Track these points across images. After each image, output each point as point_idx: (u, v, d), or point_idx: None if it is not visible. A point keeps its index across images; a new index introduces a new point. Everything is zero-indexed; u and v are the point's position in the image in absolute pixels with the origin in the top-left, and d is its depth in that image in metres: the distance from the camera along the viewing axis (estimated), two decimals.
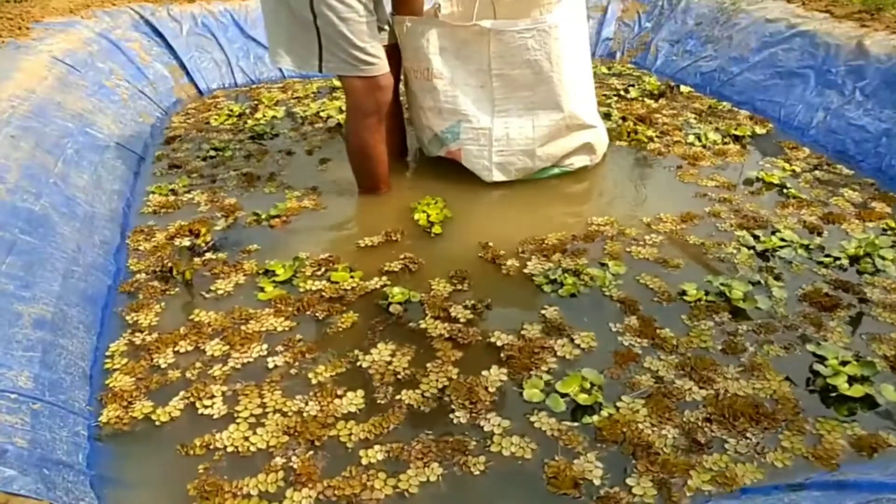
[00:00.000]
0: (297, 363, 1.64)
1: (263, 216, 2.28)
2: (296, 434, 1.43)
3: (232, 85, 3.80)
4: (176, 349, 1.69)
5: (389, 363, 1.63)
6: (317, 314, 1.81)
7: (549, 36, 2.25)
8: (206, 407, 1.51)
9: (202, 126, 3.21)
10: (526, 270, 1.98)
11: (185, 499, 1.30)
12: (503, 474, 1.35)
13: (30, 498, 1.09)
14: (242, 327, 1.76)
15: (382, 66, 2.19)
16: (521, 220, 2.28)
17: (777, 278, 1.93)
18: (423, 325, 1.76)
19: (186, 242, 2.15)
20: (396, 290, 1.87)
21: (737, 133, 2.93)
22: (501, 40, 2.27)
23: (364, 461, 1.36)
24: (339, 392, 1.54)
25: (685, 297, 1.85)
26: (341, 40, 2.08)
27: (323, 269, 2.00)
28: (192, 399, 1.53)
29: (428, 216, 2.26)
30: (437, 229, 2.20)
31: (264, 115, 3.30)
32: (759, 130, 2.98)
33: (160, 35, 3.66)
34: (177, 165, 2.74)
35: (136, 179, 2.63)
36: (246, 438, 1.43)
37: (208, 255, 2.09)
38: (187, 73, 3.68)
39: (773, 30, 3.35)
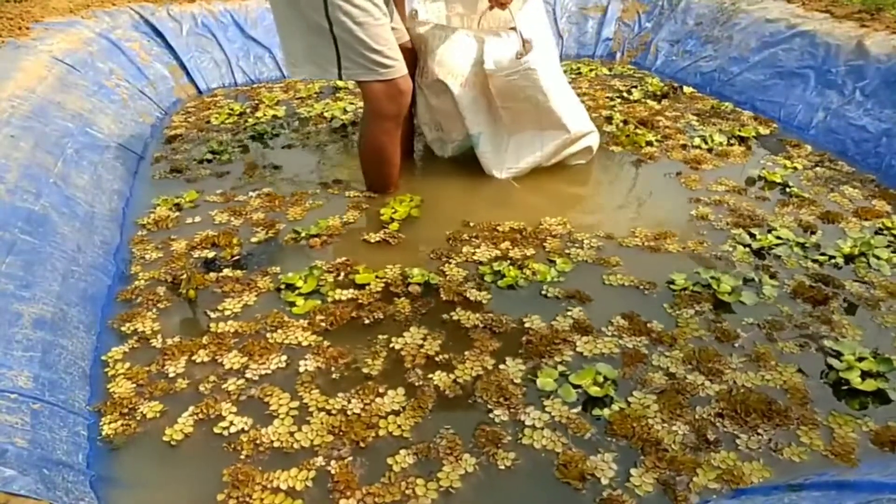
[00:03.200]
0: (336, 366, 1.63)
1: (303, 234, 2.17)
2: (341, 434, 1.43)
3: (232, 84, 3.80)
4: (192, 359, 1.67)
5: (421, 346, 1.68)
6: (363, 319, 1.79)
7: (534, 72, 2.30)
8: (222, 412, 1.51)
9: (203, 125, 3.20)
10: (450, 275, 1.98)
11: (218, 485, 1.32)
12: (526, 460, 1.38)
13: (30, 498, 1.09)
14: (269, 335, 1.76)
15: (401, 69, 2.17)
16: (492, 222, 2.25)
17: (773, 276, 1.93)
18: (456, 317, 1.79)
19: (210, 254, 2.07)
20: (416, 271, 1.94)
21: (741, 134, 2.92)
22: (495, 83, 2.36)
23: (396, 468, 1.35)
24: (381, 390, 1.55)
25: (672, 287, 1.89)
26: (359, 45, 2.05)
27: (343, 275, 1.97)
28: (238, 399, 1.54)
29: (393, 212, 2.29)
30: (394, 227, 2.22)
31: (265, 115, 3.30)
32: (763, 131, 2.98)
33: (160, 35, 3.66)
34: (178, 170, 2.70)
35: (136, 179, 2.62)
36: (291, 434, 1.43)
37: (226, 272, 1.99)
38: (187, 73, 3.68)
39: (773, 30, 3.35)
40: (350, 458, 1.37)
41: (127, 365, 1.63)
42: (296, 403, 1.52)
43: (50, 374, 1.45)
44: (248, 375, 1.60)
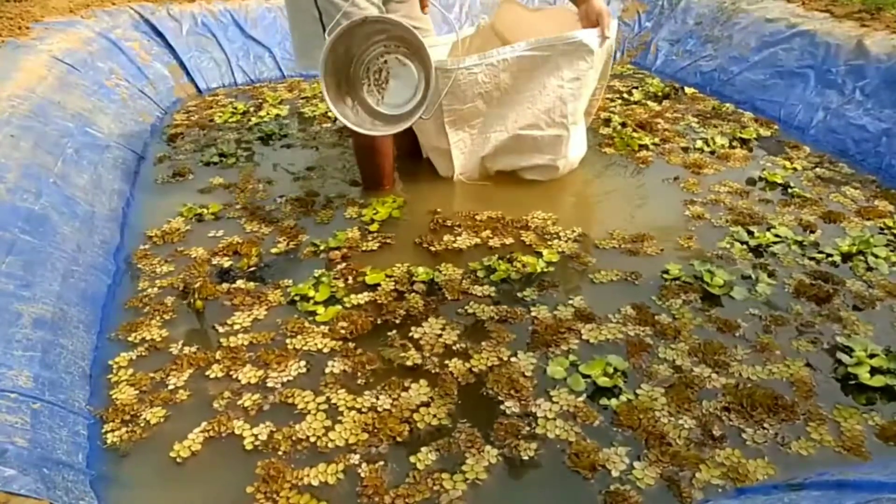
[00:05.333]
0: (362, 371, 1.62)
1: (322, 246, 2.11)
2: (375, 431, 1.44)
3: (232, 84, 3.81)
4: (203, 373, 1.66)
5: (439, 336, 1.71)
6: (386, 319, 1.79)
7: (496, 69, 2.22)
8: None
9: (206, 123, 3.20)
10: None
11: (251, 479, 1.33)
12: (545, 450, 1.40)
13: (30, 497, 1.09)
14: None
15: None
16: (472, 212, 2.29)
17: (771, 275, 1.94)
18: (470, 311, 1.81)
19: (227, 263, 2.03)
20: (421, 269, 1.95)
21: (743, 136, 2.91)
22: (450, 78, 2.19)
23: (420, 465, 1.35)
24: (406, 384, 1.56)
25: (665, 276, 1.92)
26: None
27: (352, 279, 1.96)
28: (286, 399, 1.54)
29: (375, 212, 2.30)
30: (374, 227, 2.23)
31: (268, 114, 3.29)
32: (764, 132, 2.97)
33: (160, 34, 3.66)
34: (181, 173, 2.65)
35: (140, 182, 2.62)
36: (326, 431, 1.44)
37: (239, 283, 1.94)
38: (187, 73, 3.68)
39: (773, 29, 3.35)
40: (386, 454, 1.38)
41: (130, 372, 1.62)
42: (322, 398, 1.52)
43: (50, 373, 1.45)
44: (269, 384, 1.58)
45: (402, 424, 1.44)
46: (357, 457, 1.37)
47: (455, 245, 2.11)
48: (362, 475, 1.33)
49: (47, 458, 1.24)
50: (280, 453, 1.39)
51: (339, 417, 1.47)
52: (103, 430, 1.45)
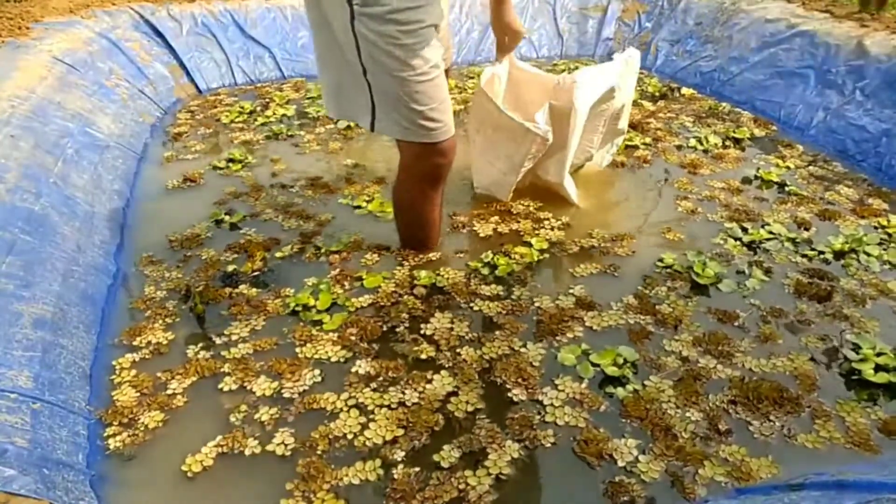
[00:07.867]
0: (384, 375, 1.61)
1: (324, 250, 2.09)
2: (410, 424, 1.44)
3: (232, 84, 3.80)
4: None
5: (450, 329, 1.74)
6: (390, 321, 1.78)
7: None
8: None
9: (211, 123, 3.21)
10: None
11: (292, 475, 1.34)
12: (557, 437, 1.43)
13: (30, 498, 1.09)
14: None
15: (446, 131, 1.76)
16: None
17: (767, 272, 1.96)
18: (475, 308, 1.83)
19: (230, 267, 2.00)
20: (423, 273, 1.95)
21: (736, 136, 2.92)
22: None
23: (444, 464, 1.35)
24: (428, 377, 1.57)
25: (658, 264, 1.99)
26: (396, 101, 1.69)
27: (349, 286, 1.93)
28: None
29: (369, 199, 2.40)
30: (384, 214, 2.30)
31: (275, 114, 3.29)
32: (759, 132, 2.97)
33: (160, 35, 3.66)
34: (192, 179, 2.60)
35: (136, 179, 2.62)
36: (362, 429, 1.44)
37: (242, 288, 1.92)
38: (187, 73, 3.68)
39: (773, 30, 3.35)
40: (430, 445, 1.39)
41: (133, 373, 1.61)
42: (346, 395, 1.53)
43: (50, 373, 1.45)
44: (285, 394, 1.55)
45: (434, 415, 1.46)
46: (402, 453, 1.37)
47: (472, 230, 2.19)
48: (396, 476, 1.32)
49: (47, 458, 1.24)
50: (319, 451, 1.39)
51: (371, 416, 1.48)
52: (105, 434, 1.44)
